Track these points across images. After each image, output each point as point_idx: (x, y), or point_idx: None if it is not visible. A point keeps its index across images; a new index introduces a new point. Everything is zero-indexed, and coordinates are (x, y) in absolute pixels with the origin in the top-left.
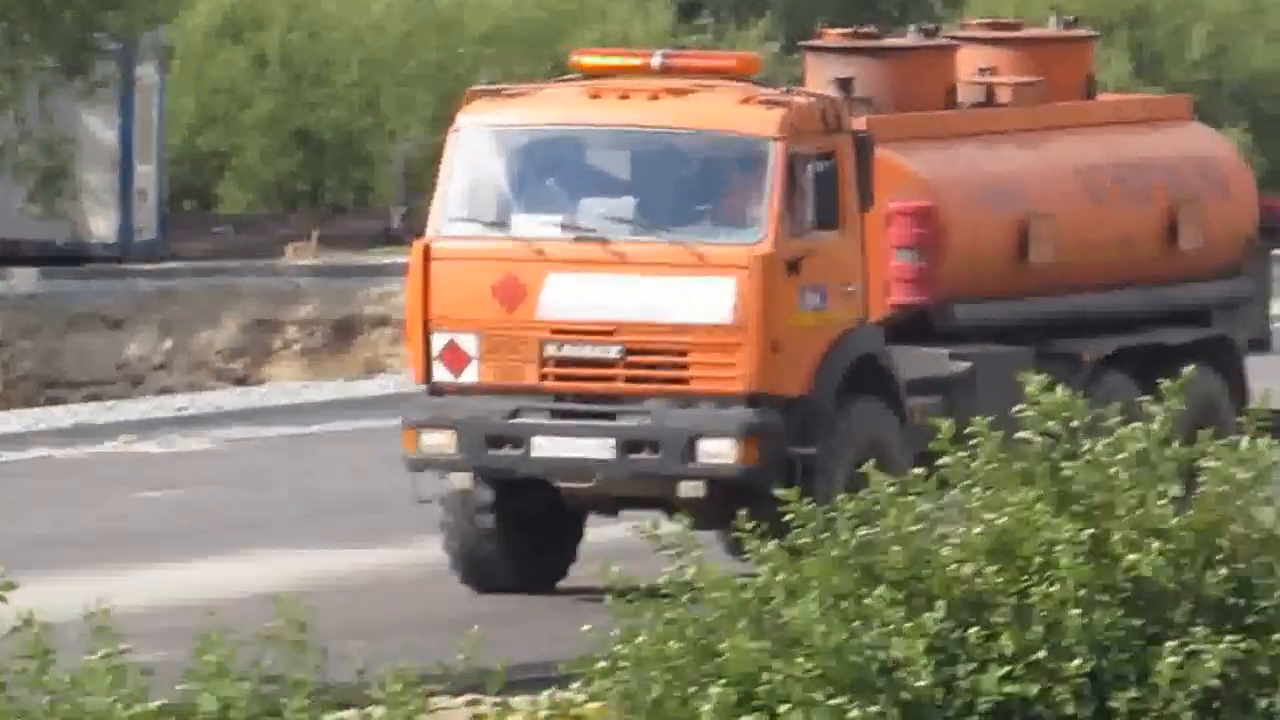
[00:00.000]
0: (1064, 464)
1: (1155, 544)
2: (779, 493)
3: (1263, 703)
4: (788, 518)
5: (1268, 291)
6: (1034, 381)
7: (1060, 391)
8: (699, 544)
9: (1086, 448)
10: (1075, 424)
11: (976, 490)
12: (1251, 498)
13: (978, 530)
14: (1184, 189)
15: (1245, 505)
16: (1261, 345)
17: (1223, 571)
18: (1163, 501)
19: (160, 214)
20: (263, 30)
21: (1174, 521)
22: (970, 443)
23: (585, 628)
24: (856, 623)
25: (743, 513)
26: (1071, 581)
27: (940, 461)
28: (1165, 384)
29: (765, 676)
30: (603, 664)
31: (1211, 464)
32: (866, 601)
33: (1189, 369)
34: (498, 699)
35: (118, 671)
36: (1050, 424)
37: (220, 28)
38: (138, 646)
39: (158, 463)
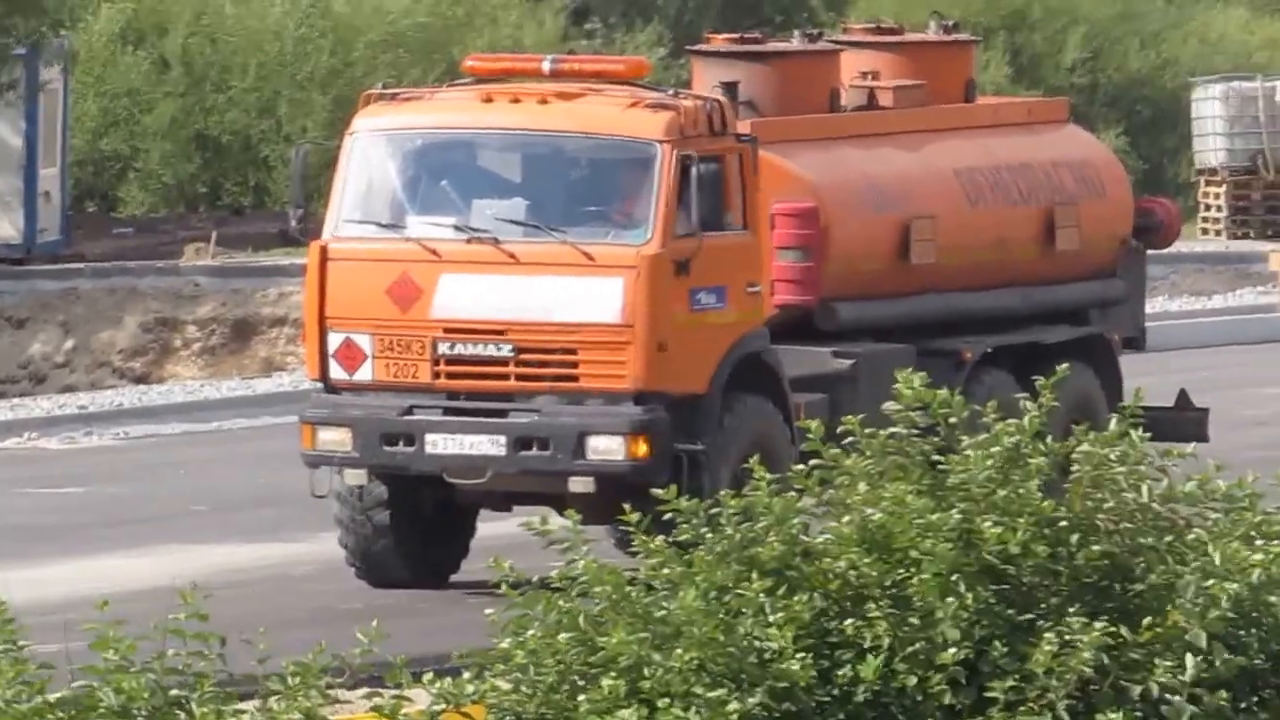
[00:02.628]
0: (938, 458)
1: (1022, 521)
2: (657, 492)
3: (1136, 689)
4: (668, 515)
5: (1142, 291)
6: (912, 379)
7: (939, 388)
8: (588, 539)
9: (963, 443)
10: (951, 420)
11: (856, 486)
12: (1124, 484)
13: (851, 521)
14: (1061, 191)
15: (1118, 490)
16: (1136, 344)
17: (1097, 548)
18: (1031, 483)
19: (64, 215)
20: (164, 36)
21: (1045, 503)
22: (847, 440)
23: (488, 613)
24: (735, 615)
25: (630, 508)
26: (942, 565)
27: (814, 462)
28: (1041, 381)
29: (647, 670)
30: (499, 653)
31: (1084, 448)
32: (743, 593)
33: (1064, 366)
34: (395, 690)
35: (17, 665)
36: (921, 418)
37: (122, 33)
38: (38, 640)
39: (60, 459)
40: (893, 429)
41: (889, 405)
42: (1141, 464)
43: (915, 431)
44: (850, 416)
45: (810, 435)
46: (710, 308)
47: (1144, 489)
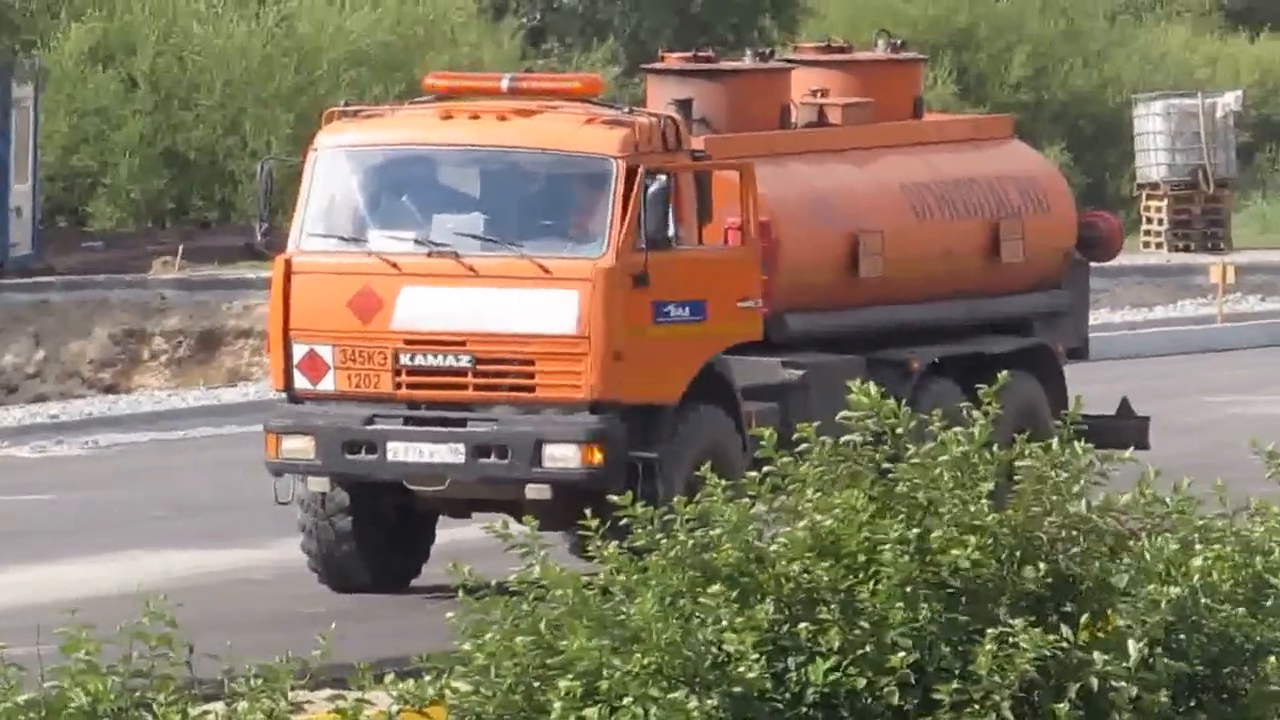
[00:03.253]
0: (888, 466)
1: (973, 539)
2: (613, 499)
3: (1076, 690)
4: (624, 521)
5: (1086, 302)
6: (863, 388)
7: (887, 397)
8: (546, 544)
9: (911, 451)
10: (899, 429)
11: (807, 492)
12: (1066, 494)
13: (805, 528)
14: (1006, 205)
15: (1060, 501)
16: (1080, 354)
17: (1042, 566)
18: (982, 500)
19: (35, 230)
20: (132, 55)
21: (991, 518)
22: (800, 448)
23: (448, 616)
24: (692, 619)
25: (586, 514)
26: (895, 577)
27: (767, 469)
28: (986, 390)
29: (606, 672)
30: (461, 655)
31: (1025, 462)
32: (701, 599)
33: (1005, 375)
34: (358, 693)
35: None
36: (874, 427)
37: (92, 52)
38: (8, 642)
39: (31, 467)
40: (846, 437)
41: (846, 413)
42: (1082, 473)
43: (867, 440)
44: (802, 425)
45: (764, 443)
46: (682, 320)
47: (1084, 500)
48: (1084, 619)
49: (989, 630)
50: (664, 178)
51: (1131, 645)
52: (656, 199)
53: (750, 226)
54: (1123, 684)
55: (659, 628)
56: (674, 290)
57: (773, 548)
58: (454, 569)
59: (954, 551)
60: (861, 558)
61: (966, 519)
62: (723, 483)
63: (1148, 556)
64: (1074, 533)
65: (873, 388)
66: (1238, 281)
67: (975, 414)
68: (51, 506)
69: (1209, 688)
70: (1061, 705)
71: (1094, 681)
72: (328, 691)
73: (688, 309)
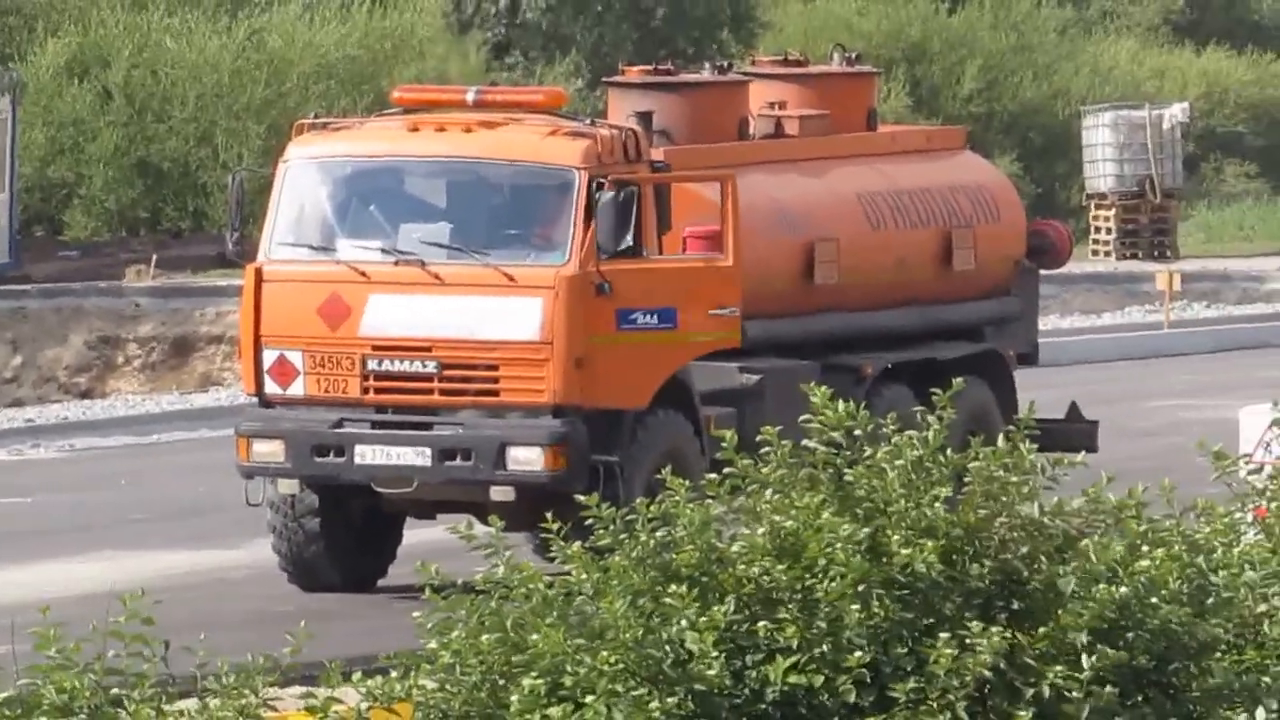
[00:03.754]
0: (846, 469)
1: (929, 543)
2: (580, 499)
3: (1030, 690)
4: (590, 521)
5: (1035, 309)
6: (819, 393)
7: (842, 402)
8: (510, 544)
9: (867, 454)
10: (857, 432)
11: (766, 494)
12: (1015, 495)
13: (764, 531)
14: (958, 215)
15: (1010, 502)
16: (1030, 359)
17: (988, 564)
18: (936, 504)
19: (12, 239)
20: (107, 68)
21: (944, 520)
22: (760, 451)
23: (415, 615)
24: (655, 618)
25: (549, 515)
26: (851, 577)
27: (727, 471)
28: (939, 395)
29: (571, 669)
30: (428, 653)
31: (975, 464)
32: (664, 599)
33: (959, 380)
34: (327, 689)
35: None
36: (833, 432)
37: (68, 66)
38: None
39: (7, 470)
40: (804, 441)
41: (805, 417)
42: (1031, 476)
43: (825, 443)
44: (760, 428)
45: (724, 445)
46: (649, 328)
47: (1035, 504)
48: (1041, 631)
49: (944, 632)
50: (627, 188)
51: (1085, 660)
52: (620, 209)
53: (730, 236)
54: (1075, 694)
55: (623, 626)
56: (640, 298)
57: (732, 549)
58: (421, 568)
59: (908, 553)
60: (820, 560)
61: (922, 522)
62: (684, 484)
63: (1094, 557)
64: (1022, 533)
65: (829, 392)
66: (1184, 289)
67: (929, 418)
68: (29, 508)
69: (1155, 684)
70: (1023, 714)
71: (1045, 689)
72: (298, 689)
73: (656, 317)
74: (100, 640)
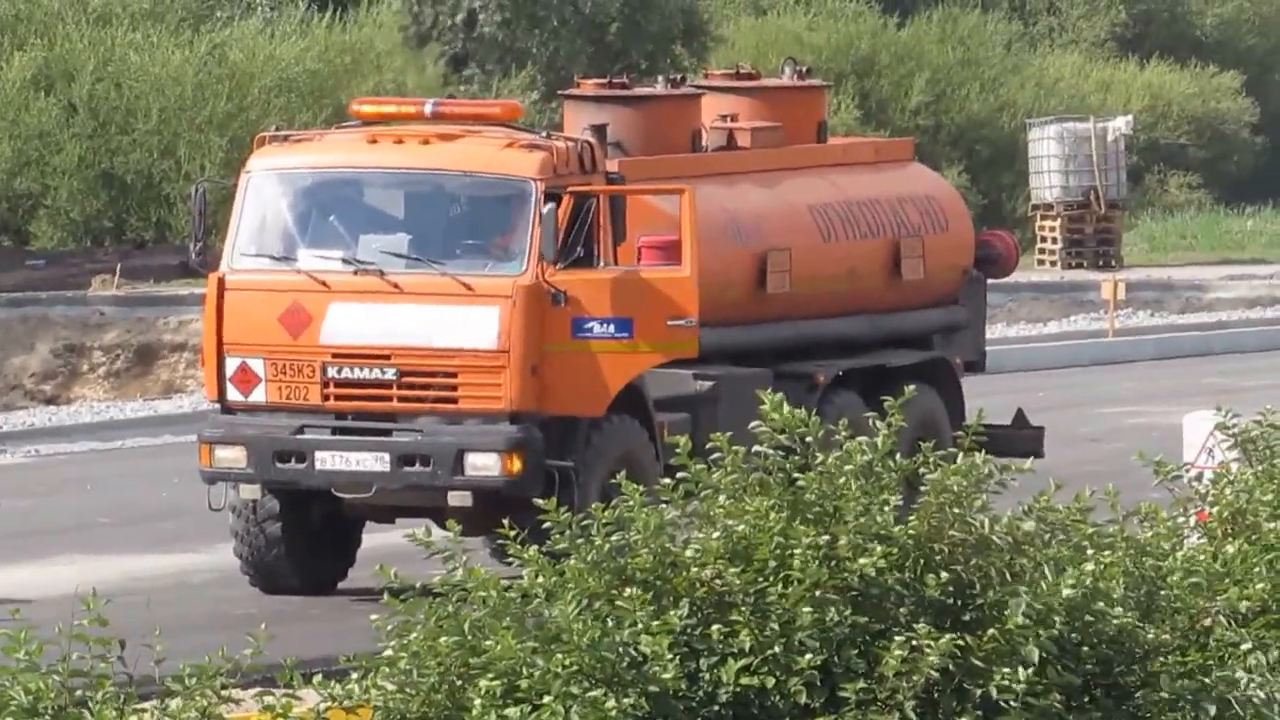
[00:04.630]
0: (797, 475)
1: (879, 548)
2: (538, 502)
3: (977, 692)
4: (546, 525)
5: (983, 317)
6: (770, 400)
7: (794, 409)
8: (467, 548)
9: (819, 460)
10: (808, 438)
11: (719, 499)
12: (968, 506)
13: (718, 535)
14: (907, 225)
15: (962, 514)
16: (977, 366)
17: (943, 575)
18: (887, 509)
19: None
20: (72, 82)
21: (896, 529)
22: (713, 456)
23: (373, 618)
24: (610, 621)
25: (506, 520)
26: (805, 582)
27: (681, 475)
28: (889, 402)
29: (527, 671)
30: (386, 655)
31: (933, 475)
32: (619, 602)
33: (910, 388)
34: (287, 690)
35: None
36: (784, 438)
37: (34, 80)
38: None
39: None
40: (756, 447)
41: (757, 423)
42: (983, 482)
43: (777, 449)
44: (713, 434)
45: (678, 451)
46: (603, 337)
47: (985, 519)
48: (989, 633)
49: (896, 635)
50: (584, 199)
51: (1021, 672)
52: (574, 219)
53: (688, 248)
54: (1019, 685)
55: (578, 629)
56: (595, 308)
57: (686, 553)
58: (380, 572)
59: (861, 560)
60: (772, 563)
61: (873, 528)
62: (639, 489)
63: (1045, 568)
64: (971, 548)
65: (778, 399)
66: (1128, 298)
67: (879, 424)
68: None
69: (1101, 686)
70: (970, 715)
71: (993, 690)
72: (257, 689)
73: (612, 326)
74: (64, 642)
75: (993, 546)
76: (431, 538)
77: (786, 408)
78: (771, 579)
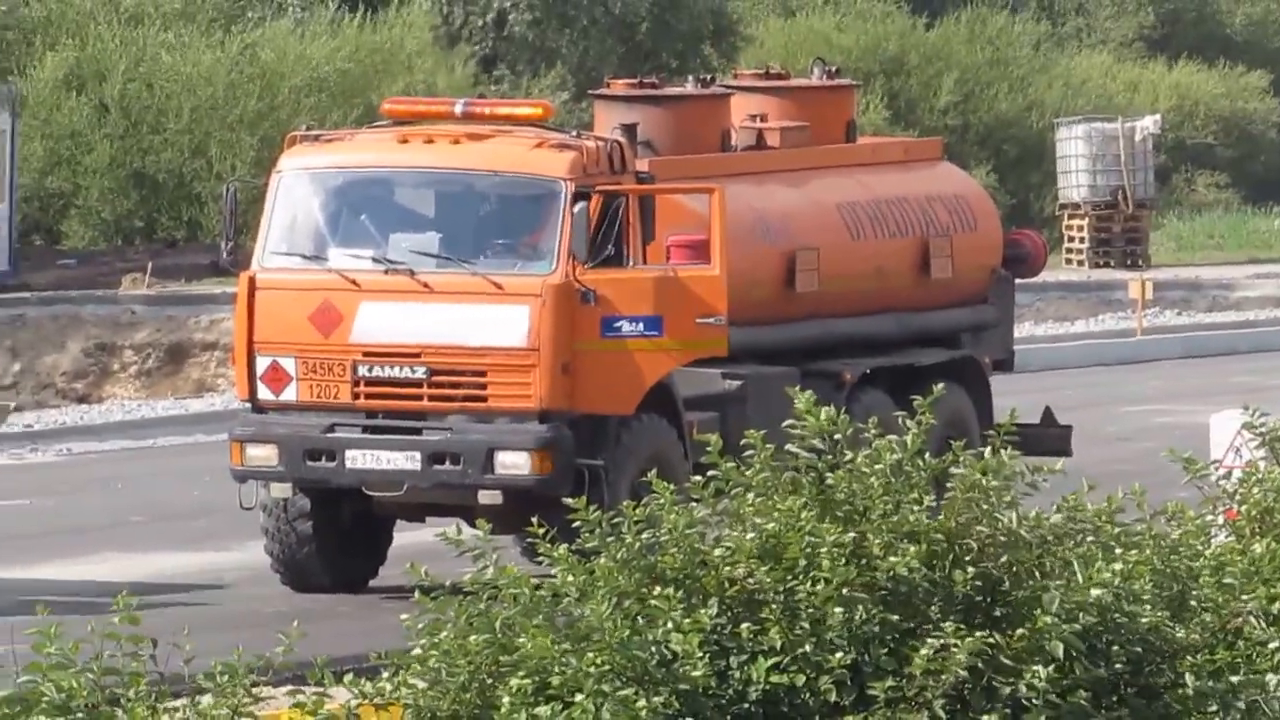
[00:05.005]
0: (827, 474)
1: (911, 548)
2: (569, 501)
3: (1006, 690)
4: (576, 523)
5: (1011, 317)
6: (800, 398)
7: (823, 407)
8: (497, 546)
9: (848, 459)
10: (837, 437)
11: (749, 497)
12: (997, 503)
13: (749, 534)
14: (935, 224)
15: (991, 510)
16: (1005, 365)
17: (970, 571)
18: (917, 508)
19: (11, 248)
20: (104, 82)
21: (925, 525)
22: (744, 454)
23: (403, 617)
24: (640, 620)
25: (535, 519)
26: (834, 581)
27: (711, 473)
28: (918, 400)
29: (559, 669)
30: (416, 653)
31: (960, 471)
32: (650, 601)
33: (939, 387)
34: (317, 688)
35: None
36: (813, 436)
37: (66, 80)
38: None
39: (6, 474)
40: (788, 445)
41: (789, 421)
42: (1011, 480)
43: (806, 448)
44: (742, 433)
45: (709, 449)
46: (633, 335)
47: (1014, 515)
48: (1019, 632)
49: (923, 632)
50: (613, 198)
51: (1041, 670)
52: (604, 219)
53: (717, 247)
54: (1042, 684)
55: (609, 628)
56: (625, 306)
57: (716, 551)
58: (411, 570)
59: (891, 559)
60: (802, 561)
61: (903, 526)
62: (669, 487)
63: (1075, 566)
64: (1001, 544)
65: (808, 397)
66: (1155, 297)
67: (909, 423)
68: (27, 511)
69: (1130, 685)
70: (999, 713)
71: (1022, 688)
72: (288, 687)
73: (641, 325)
74: (97, 640)
75: (1021, 543)
76: (460, 538)
77: (816, 407)
78: (801, 577)
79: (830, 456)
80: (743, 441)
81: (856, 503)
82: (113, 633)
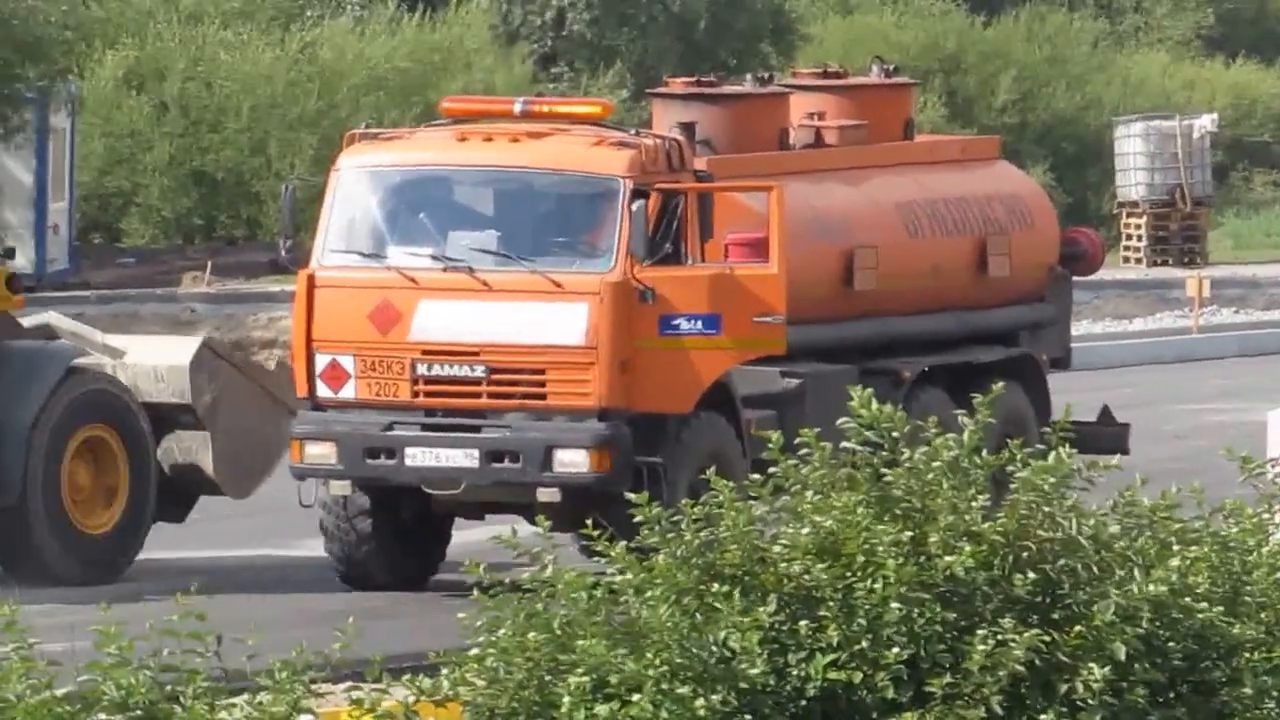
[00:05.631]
0: (885, 471)
1: (968, 547)
2: (630, 497)
3: (1063, 687)
4: (636, 521)
5: (1068, 315)
6: (858, 396)
7: (881, 405)
8: (556, 544)
9: (906, 456)
10: (895, 434)
11: (806, 495)
12: (1057, 505)
13: (806, 531)
14: (993, 223)
15: (1051, 512)
16: (1062, 364)
17: (1030, 575)
18: (975, 505)
19: (71, 246)
20: (163, 81)
21: (985, 525)
22: (801, 452)
23: (461, 615)
24: (699, 617)
25: (592, 518)
26: (893, 579)
27: (771, 470)
28: (976, 398)
29: (617, 669)
30: (474, 652)
31: (1022, 474)
32: (709, 599)
33: (998, 385)
34: (375, 685)
35: (27, 662)
36: (872, 434)
37: (125, 79)
38: (44, 639)
39: None
40: (844, 443)
41: (846, 419)
42: (1069, 478)
43: (865, 445)
44: (800, 431)
45: (770, 446)
46: (691, 334)
47: (1074, 520)
48: (1076, 629)
49: (980, 630)
50: (672, 197)
51: (1096, 670)
52: (661, 217)
53: (776, 245)
54: (1099, 682)
55: (669, 627)
56: (683, 304)
57: (774, 548)
58: (469, 568)
59: (949, 558)
60: (860, 559)
61: (961, 525)
62: (728, 485)
63: (1133, 562)
64: (1060, 547)
65: (867, 395)
66: (1213, 295)
67: (966, 420)
68: None
69: (1186, 682)
70: (1055, 710)
71: (1078, 685)
72: (346, 684)
73: (700, 323)
74: (156, 638)
75: (1080, 547)
76: (516, 540)
77: (874, 404)
78: (859, 575)
79: (887, 453)
80: (797, 440)
81: (915, 500)
82: (170, 629)
